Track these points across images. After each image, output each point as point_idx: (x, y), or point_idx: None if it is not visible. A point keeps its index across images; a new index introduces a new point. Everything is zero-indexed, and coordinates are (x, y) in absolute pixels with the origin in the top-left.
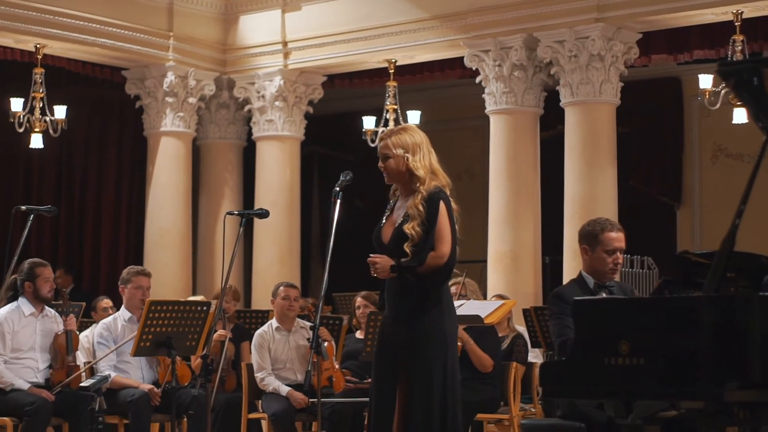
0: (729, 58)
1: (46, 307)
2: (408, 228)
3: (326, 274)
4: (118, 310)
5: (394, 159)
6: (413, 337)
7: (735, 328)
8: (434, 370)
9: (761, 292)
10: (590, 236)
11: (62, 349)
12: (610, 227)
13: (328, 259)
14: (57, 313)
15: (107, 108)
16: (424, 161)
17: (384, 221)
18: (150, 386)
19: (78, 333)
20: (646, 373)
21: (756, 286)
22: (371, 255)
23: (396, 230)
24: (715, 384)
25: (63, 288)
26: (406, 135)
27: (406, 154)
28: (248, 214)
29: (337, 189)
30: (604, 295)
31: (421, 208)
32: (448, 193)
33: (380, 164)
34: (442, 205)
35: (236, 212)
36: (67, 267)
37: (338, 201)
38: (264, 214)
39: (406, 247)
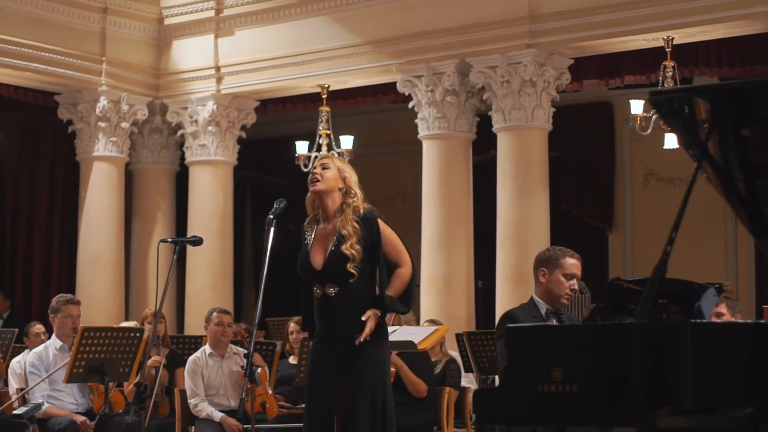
0: (660, 84)
1: None
2: (347, 248)
3: (260, 301)
4: (50, 335)
5: (333, 170)
6: (356, 361)
7: (666, 354)
8: (377, 394)
9: (692, 319)
10: (550, 260)
11: None
12: (570, 254)
13: (262, 286)
14: None
15: (39, 133)
16: (357, 188)
17: (309, 247)
18: (83, 418)
19: (2, 360)
20: (579, 399)
21: (687, 313)
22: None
23: (332, 253)
24: (647, 410)
25: (1, 312)
26: (347, 165)
27: (345, 174)
28: (182, 241)
29: (271, 217)
30: (554, 321)
31: (356, 225)
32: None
33: (316, 170)
34: (380, 222)
35: (170, 239)
36: (5, 292)
37: (272, 228)
38: (198, 241)
39: (350, 268)
